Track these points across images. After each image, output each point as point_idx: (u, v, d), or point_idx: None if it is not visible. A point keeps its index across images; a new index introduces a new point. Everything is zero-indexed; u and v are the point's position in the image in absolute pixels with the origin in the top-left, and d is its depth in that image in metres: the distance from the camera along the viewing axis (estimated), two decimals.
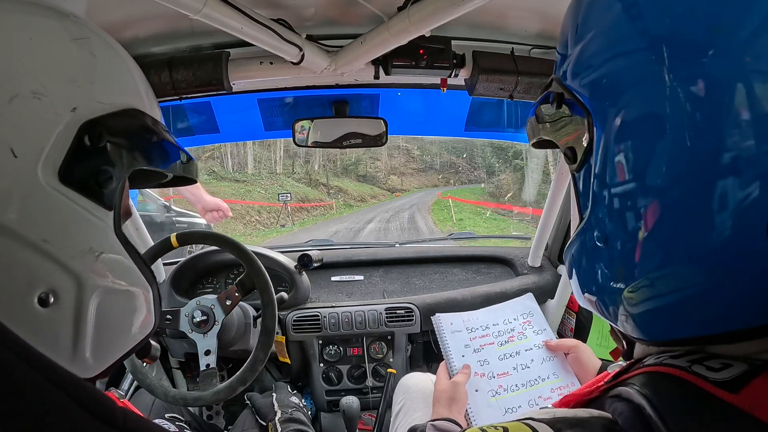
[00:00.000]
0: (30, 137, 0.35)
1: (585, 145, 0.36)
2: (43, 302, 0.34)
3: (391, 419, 0.97)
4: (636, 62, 0.30)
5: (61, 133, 0.36)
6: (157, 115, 0.47)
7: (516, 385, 0.86)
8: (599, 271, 0.36)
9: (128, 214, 0.47)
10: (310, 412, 1.33)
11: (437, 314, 1.02)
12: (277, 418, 0.95)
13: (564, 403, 0.40)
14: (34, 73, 0.36)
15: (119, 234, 0.41)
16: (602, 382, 0.36)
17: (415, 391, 0.96)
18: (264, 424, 0.98)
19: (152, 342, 0.75)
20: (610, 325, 0.40)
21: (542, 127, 0.43)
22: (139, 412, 0.37)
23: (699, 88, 0.26)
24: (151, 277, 0.44)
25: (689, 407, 0.28)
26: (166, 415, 1.05)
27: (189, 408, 1.20)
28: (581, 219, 0.38)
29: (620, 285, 0.34)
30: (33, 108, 0.35)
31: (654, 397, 0.29)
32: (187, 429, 1.02)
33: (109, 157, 0.39)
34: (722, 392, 0.27)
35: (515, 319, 1.01)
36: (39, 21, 0.38)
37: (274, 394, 1.05)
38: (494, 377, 0.87)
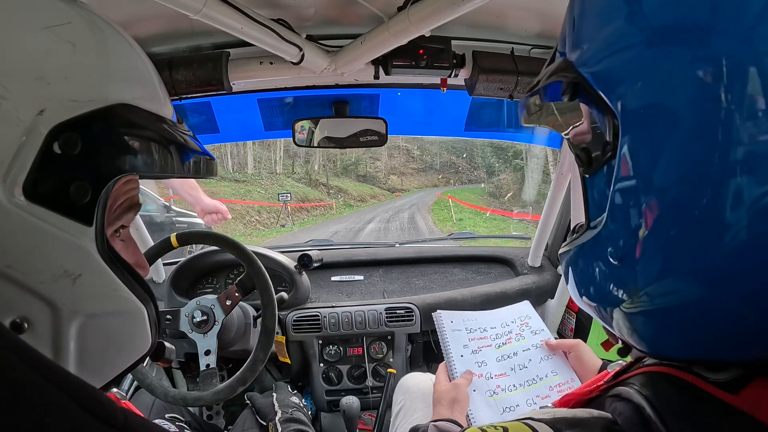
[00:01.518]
0: None
1: (603, 149, 0.32)
2: (18, 328, 0.32)
3: (391, 419, 0.97)
4: (636, 56, 0.28)
5: (26, 141, 0.31)
6: (159, 108, 0.41)
7: (513, 385, 0.86)
8: (605, 283, 0.33)
9: (136, 206, 0.42)
10: (310, 412, 1.33)
11: (438, 311, 1.02)
12: (277, 418, 0.94)
13: (564, 402, 0.40)
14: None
15: (103, 251, 0.36)
16: (602, 382, 0.36)
17: (415, 391, 0.96)
18: (264, 424, 0.98)
19: (166, 344, 0.73)
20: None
21: (549, 119, 0.39)
22: (140, 413, 0.37)
23: (703, 80, 0.24)
24: (144, 295, 0.40)
25: (688, 408, 0.27)
26: (166, 415, 1.05)
27: (189, 408, 1.20)
28: (588, 226, 0.35)
29: (620, 299, 0.31)
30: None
31: (654, 398, 0.29)
32: (187, 429, 1.02)
33: (86, 165, 0.34)
34: (721, 393, 0.27)
35: (512, 322, 1.01)
36: (4, 6, 0.33)
37: (275, 394, 1.05)
38: (492, 378, 0.87)
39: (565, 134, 0.39)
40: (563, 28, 0.37)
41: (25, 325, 0.32)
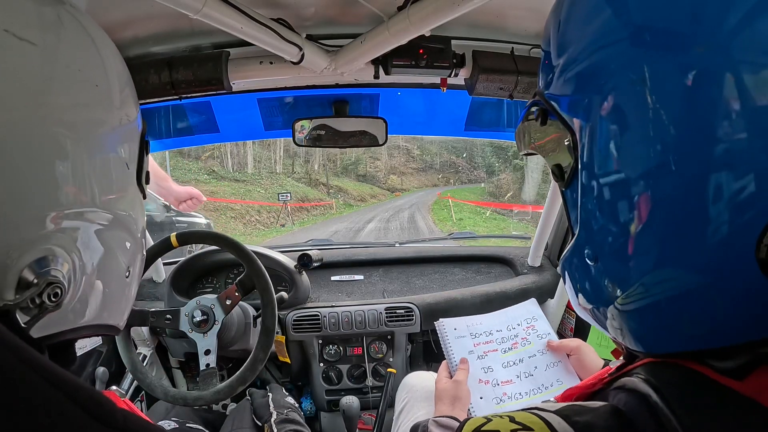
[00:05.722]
0: (131, 151, 0.45)
1: (569, 160, 0.35)
2: (126, 276, 0.46)
3: (394, 417, 0.97)
4: (619, 53, 0.29)
5: (137, 146, 0.46)
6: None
7: (520, 393, 0.85)
8: (591, 285, 0.36)
9: None
10: (310, 412, 1.32)
11: (441, 319, 1.01)
12: (273, 420, 0.95)
13: (566, 396, 0.40)
14: (123, 93, 0.43)
15: None
16: (605, 375, 0.36)
17: (418, 389, 0.96)
18: (260, 424, 0.98)
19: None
20: None
21: (529, 142, 0.42)
22: (141, 412, 0.38)
23: (682, 80, 0.25)
24: None
25: (695, 395, 0.28)
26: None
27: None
28: (572, 234, 0.38)
29: (610, 297, 0.33)
30: (130, 127, 0.44)
31: (660, 386, 0.29)
32: (188, 423, 1.02)
33: (147, 161, 0.49)
34: (727, 380, 0.27)
35: (519, 325, 1.00)
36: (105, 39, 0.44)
37: (270, 395, 1.05)
38: (498, 384, 0.87)
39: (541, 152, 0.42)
40: (546, 32, 0.39)
41: (128, 273, 0.46)
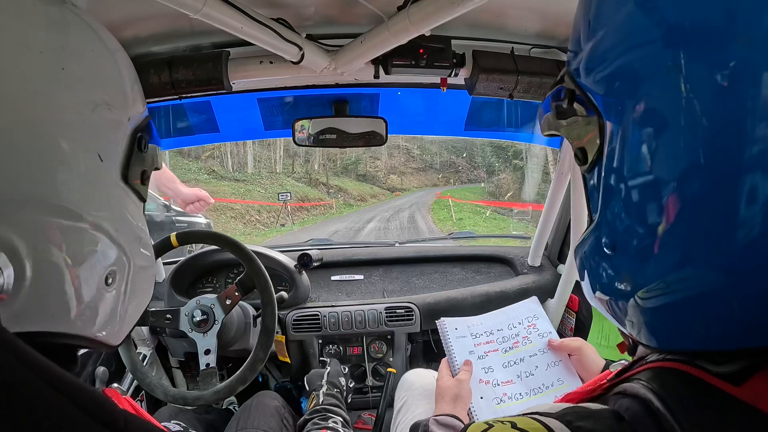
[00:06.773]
0: (108, 144, 0.41)
1: (596, 147, 0.35)
2: (107, 282, 0.40)
3: (393, 415, 0.97)
4: (651, 54, 0.28)
5: (123, 140, 0.43)
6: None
7: (520, 394, 0.85)
8: (608, 275, 0.35)
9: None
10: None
11: (442, 318, 1.01)
12: (323, 390, 0.95)
13: (566, 401, 0.40)
14: (101, 83, 0.40)
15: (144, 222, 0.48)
16: (605, 380, 0.36)
17: (417, 387, 0.96)
18: (309, 390, 0.99)
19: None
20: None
21: (555, 123, 0.41)
22: (143, 410, 0.37)
23: (718, 79, 0.24)
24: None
25: (697, 401, 0.28)
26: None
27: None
28: (591, 221, 0.37)
29: (629, 289, 0.32)
30: (108, 117, 0.40)
31: (661, 391, 0.29)
32: (191, 430, 1.02)
33: (148, 159, 0.47)
34: (725, 384, 0.27)
35: (520, 323, 0.99)
36: (92, 35, 0.41)
37: (329, 368, 1.05)
38: (498, 384, 0.87)
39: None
40: (575, 30, 0.38)
41: (111, 278, 0.41)
